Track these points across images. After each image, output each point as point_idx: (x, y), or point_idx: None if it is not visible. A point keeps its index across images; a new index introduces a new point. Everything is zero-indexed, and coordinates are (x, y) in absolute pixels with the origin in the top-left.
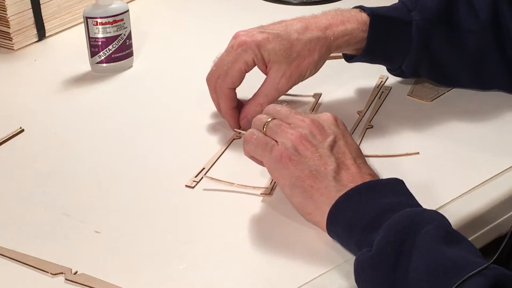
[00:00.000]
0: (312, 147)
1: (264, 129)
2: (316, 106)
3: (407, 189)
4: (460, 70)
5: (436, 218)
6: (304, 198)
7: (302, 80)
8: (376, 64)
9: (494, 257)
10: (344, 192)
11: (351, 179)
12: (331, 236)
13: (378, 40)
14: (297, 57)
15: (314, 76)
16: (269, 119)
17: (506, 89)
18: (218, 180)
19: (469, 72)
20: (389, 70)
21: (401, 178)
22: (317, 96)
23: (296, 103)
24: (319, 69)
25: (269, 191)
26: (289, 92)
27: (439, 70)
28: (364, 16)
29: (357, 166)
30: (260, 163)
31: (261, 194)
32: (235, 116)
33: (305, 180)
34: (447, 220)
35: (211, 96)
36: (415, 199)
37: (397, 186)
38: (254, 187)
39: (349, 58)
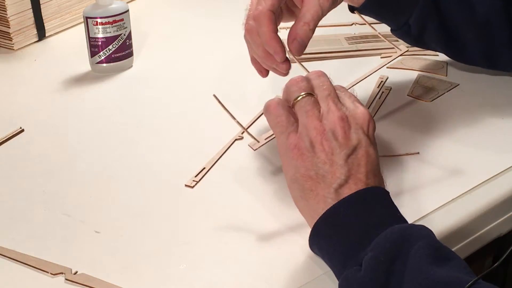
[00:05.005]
0: (328, 149)
1: (296, 100)
2: None
3: (391, 200)
4: (467, 34)
5: (424, 234)
6: (300, 196)
7: (339, 3)
8: (381, 19)
9: (500, 260)
10: (331, 205)
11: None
12: (312, 250)
13: None
14: None
15: None
16: (304, 94)
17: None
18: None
19: (476, 38)
20: (393, 30)
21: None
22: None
23: None
24: None
25: (257, 147)
26: None
27: (446, 32)
28: None
29: (364, 184)
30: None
31: (248, 145)
32: (280, 41)
33: (307, 181)
34: (434, 235)
35: (249, 50)
36: (399, 211)
37: (384, 197)
38: (255, 137)
39: (354, 10)
